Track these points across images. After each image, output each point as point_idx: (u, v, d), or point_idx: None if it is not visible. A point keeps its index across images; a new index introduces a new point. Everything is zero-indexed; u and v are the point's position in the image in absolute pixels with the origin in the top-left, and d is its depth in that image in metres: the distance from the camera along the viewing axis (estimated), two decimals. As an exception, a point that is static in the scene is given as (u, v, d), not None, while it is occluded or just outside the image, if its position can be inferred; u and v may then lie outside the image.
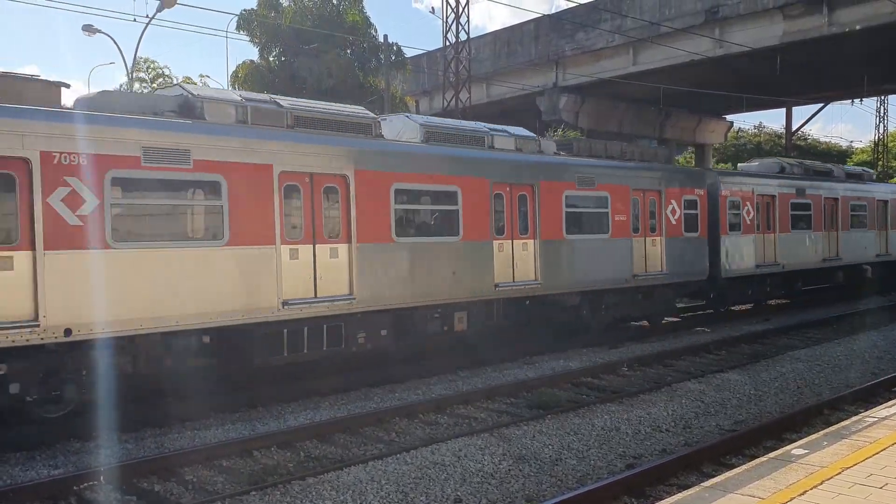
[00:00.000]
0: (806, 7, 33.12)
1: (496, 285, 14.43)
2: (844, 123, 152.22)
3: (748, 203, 20.77)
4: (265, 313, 11.15)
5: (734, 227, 20.31)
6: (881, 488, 6.15)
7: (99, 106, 10.34)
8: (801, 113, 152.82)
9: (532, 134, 16.84)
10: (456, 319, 13.98)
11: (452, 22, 32.55)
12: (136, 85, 34.26)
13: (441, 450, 9.16)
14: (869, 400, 11.47)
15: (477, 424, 10.50)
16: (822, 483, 6.28)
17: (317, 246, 11.84)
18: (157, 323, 10.11)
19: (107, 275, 9.63)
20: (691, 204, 18.82)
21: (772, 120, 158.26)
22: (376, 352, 13.13)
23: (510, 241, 14.80)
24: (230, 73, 34.43)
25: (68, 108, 10.25)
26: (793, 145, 57.23)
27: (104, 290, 9.57)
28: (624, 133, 43.03)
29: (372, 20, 35.45)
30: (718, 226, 19.73)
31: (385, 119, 14.27)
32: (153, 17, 27.62)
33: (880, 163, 57.90)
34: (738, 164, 26.29)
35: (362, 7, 33.53)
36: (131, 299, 9.85)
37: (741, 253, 20.50)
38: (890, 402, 9.56)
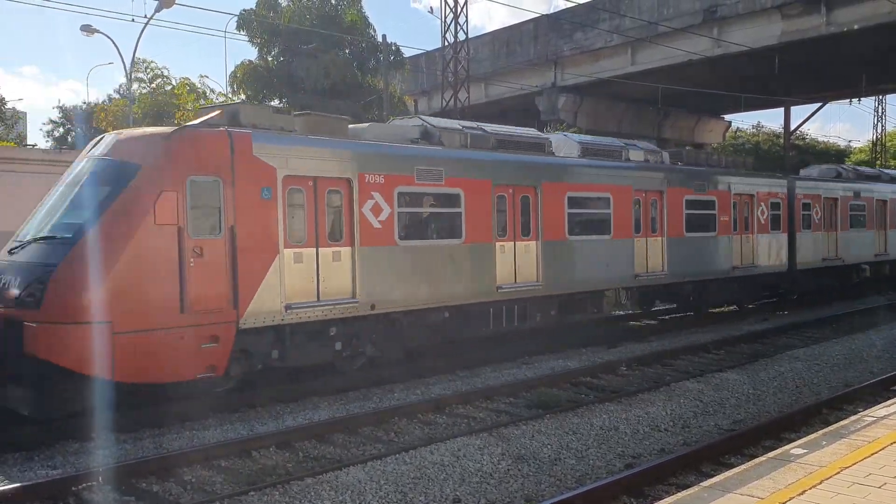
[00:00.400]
0: (804, 7, 33.14)
1: (636, 276, 17.38)
2: (843, 123, 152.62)
3: (817, 205, 23.62)
4: (485, 295, 14.29)
5: (806, 225, 23.11)
6: (880, 487, 6.15)
7: (372, 135, 13.71)
8: (799, 112, 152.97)
9: (656, 147, 19.99)
10: (604, 302, 17.40)
11: (451, 22, 32.55)
12: (135, 85, 34.23)
13: (440, 450, 9.15)
14: (867, 399, 11.47)
15: (476, 424, 10.49)
16: (821, 483, 6.28)
17: (517, 243, 14.89)
18: (422, 302, 13.29)
19: (395, 265, 12.82)
20: (775, 206, 21.84)
21: (770, 119, 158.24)
22: (546, 328, 16.15)
23: (645, 238, 17.74)
24: (229, 73, 34.35)
25: (375, 141, 13.37)
26: (791, 145, 57.25)
27: (393, 276, 12.77)
28: (622, 133, 43.09)
29: (370, 20, 35.41)
30: (794, 224, 22.61)
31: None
32: (151, 18, 27.64)
33: (878, 162, 57.92)
34: (800, 171, 28.51)
35: (361, 7, 33.51)
36: (408, 283, 13.00)
37: (811, 248, 23.35)
38: (888, 402, 9.57)
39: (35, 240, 10.37)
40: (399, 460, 8.77)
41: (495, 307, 14.55)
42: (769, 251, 21.47)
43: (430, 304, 13.42)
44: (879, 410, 8.95)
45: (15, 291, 9.83)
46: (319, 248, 11.81)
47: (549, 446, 9.43)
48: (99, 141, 11.36)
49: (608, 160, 17.44)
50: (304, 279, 11.57)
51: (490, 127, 15.71)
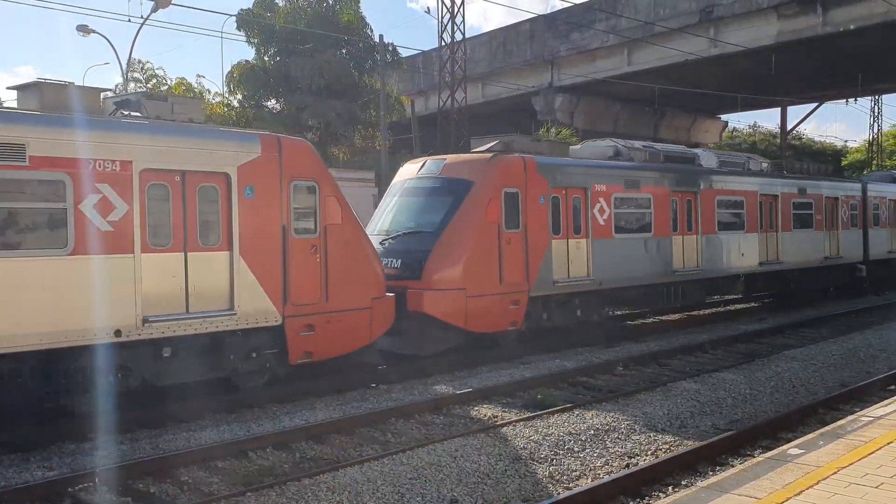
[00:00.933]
0: (800, 7, 33.19)
1: (760, 263, 21.35)
2: (839, 123, 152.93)
3: (883, 205, 27.60)
4: (665, 277, 18.37)
5: (876, 223, 26.94)
6: (877, 487, 6.16)
7: (587, 153, 18.51)
8: (795, 112, 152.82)
9: (763, 158, 24.44)
10: (737, 285, 21.36)
11: (448, 22, 32.54)
12: (131, 85, 34.16)
13: (437, 450, 9.13)
14: (864, 399, 11.49)
15: (473, 424, 10.48)
16: (818, 483, 6.29)
17: (684, 237, 18.85)
18: (627, 281, 17.29)
19: (612, 253, 16.80)
20: (853, 206, 25.82)
21: (766, 119, 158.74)
22: (699, 304, 21.87)
23: (765, 234, 21.66)
24: (225, 73, 34.30)
25: (611, 161, 18.01)
26: (788, 145, 57.33)
27: (612, 261, 16.74)
28: (619, 133, 43.15)
29: (367, 20, 35.36)
30: (867, 221, 26.43)
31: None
32: (148, 18, 27.61)
33: (874, 162, 58.03)
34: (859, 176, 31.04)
35: (357, 7, 33.47)
36: (620, 266, 16.93)
37: (880, 242, 27.22)
38: (885, 402, 9.58)
39: (404, 234, 14.76)
40: (396, 461, 8.75)
41: (668, 287, 18.67)
42: (850, 244, 25.21)
43: (631, 283, 17.42)
44: (876, 410, 8.96)
45: (396, 269, 14.08)
46: (569, 240, 15.96)
47: (546, 446, 9.42)
48: (423, 165, 15.90)
49: (737, 169, 21.46)
50: (560, 262, 15.72)
51: (659, 146, 20.32)
